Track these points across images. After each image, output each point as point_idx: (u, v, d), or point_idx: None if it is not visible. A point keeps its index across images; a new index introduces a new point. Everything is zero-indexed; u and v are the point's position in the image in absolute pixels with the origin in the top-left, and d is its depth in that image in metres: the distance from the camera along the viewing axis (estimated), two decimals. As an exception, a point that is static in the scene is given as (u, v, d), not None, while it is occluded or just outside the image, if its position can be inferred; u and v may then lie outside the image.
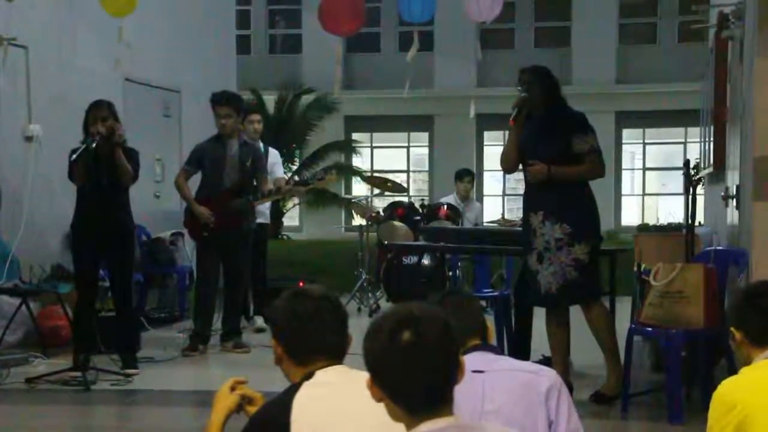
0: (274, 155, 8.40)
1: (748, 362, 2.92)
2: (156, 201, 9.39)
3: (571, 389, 5.40)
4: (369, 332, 1.97)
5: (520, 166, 5.63)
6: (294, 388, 2.39)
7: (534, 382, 2.56)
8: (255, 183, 7.28)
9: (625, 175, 23.32)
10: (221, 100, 7.20)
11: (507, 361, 2.72)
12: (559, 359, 5.52)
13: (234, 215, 7.13)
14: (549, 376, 2.60)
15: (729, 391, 2.80)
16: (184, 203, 7.47)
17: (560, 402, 2.56)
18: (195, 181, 7.38)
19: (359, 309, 9.18)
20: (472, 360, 2.01)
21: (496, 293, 6.85)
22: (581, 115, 5.47)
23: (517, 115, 5.45)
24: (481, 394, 2.48)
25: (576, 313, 5.56)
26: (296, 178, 19.30)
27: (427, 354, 1.90)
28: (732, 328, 2.93)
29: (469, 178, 9.98)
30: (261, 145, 8.13)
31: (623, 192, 23.11)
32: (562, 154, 5.34)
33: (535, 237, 5.44)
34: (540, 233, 5.41)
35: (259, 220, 7.91)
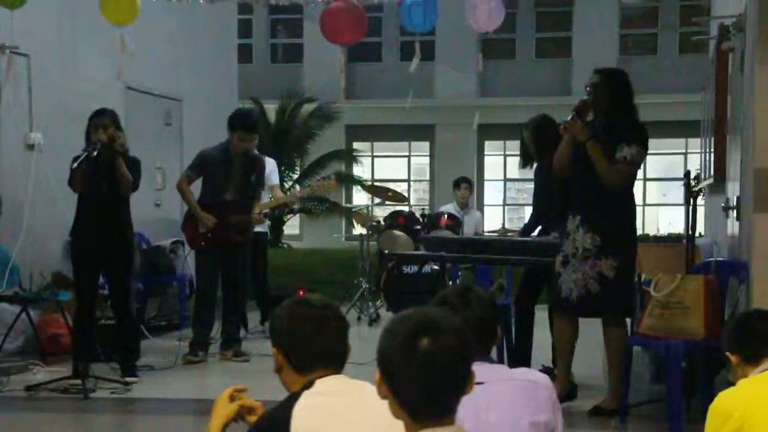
0: (270, 164, 8.41)
1: None
2: (156, 209, 9.39)
3: (575, 392, 5.42)
4: (387, 330, 1.96)
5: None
6: (294, 397, 2.39)
7: (535, 390, 2.56)
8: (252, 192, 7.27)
9: (626, 186, 23.30)
10: (251, 127, 7.23)
11: (505, 371, 2.72)
12: (562, 364, 5.49)
13: (233, 230, 7.13)
14: (548, 385, 2.60)
15: (726, 402, 2.83)
16: (184, 209, 7.46)
17: (557, 414, 2.57)
18: (195, 187, 7.38)
19: (359, 318, 9.17)
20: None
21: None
22: (639, 128, 5.31)
23: (574, 120, 5.26)
24: (484, 405, 2.47)
25: (583, 323, 5.51)
26: (297, 187, 19.35)
27: (441, 363, 1.90)
28: (727, 353, 3.06)
29: (467, 185, 10.02)
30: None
31: (624, 202, 23.10)
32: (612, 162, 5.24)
33: (566, 239, 5.35)
34: (573, 237, 5.32)
35: (257, 229, 7.94)
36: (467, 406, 2.01)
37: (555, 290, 5.45)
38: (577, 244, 5.31)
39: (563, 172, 5.47)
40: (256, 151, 7.51)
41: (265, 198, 7.69)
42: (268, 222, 8.48)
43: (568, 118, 5.29)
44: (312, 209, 20.31)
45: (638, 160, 5.28)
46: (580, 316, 5.47)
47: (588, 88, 5.36)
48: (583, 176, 5.34)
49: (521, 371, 2.72)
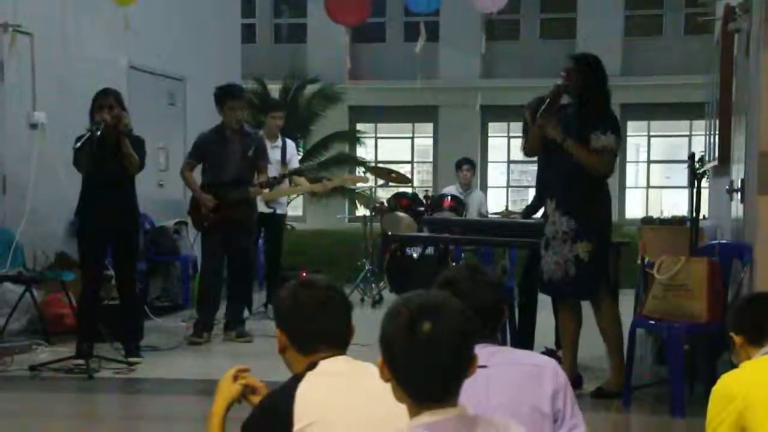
0: (291, 147, 8.54)
1: None
2: (160, 190, 9.39)
3: (581, 382, 5.44)
4: (389, 314, 1.96)
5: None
6: (297, 378, 2.40)
7: (539, 376, 2.55)
8: (258, 174, 7.27)
9: (630, 168, 23.29)
10: (237, 95, 7.24)
11: (509, 354, 2.70)
12: (567, 353, 5.52)
13: (233, 206, 7.14)
14: (553, 368, 2.59)
15: (728, 384, 2.84)
16: (188, 192, 7.48)
17: (566, 396, 2.55)
18: (197, 173, 7.40)
19: (362, 299, 9.18)
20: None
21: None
22: (610, 115, 5.36)
23: (548, 105, 5.33)
24: (486, 388, 2.47)
25: (585, 306, 5.55)
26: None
27: (443, 347, 1.90)
28: (732, 334, 3.05)
29: (468, 166, 10.00)
30: (279, 136, 8.26)
31: (627, 184, 23.08)
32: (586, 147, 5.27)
33: (546, 222, 5.45)
34: (552, 220, 5.41)
35: (276, 211, 8.05)
36: (469, 389, 2.01)
37: (540, 274, 5.50)
38: (556, 227, 5.37)
39: (530, 155, 5.83)
40: (279, 130, 7.46)
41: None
42: (286, 202, 8.53)
43: (543, 106, 5.34)
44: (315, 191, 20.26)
45: (616, 149, 5.33)
46: (562, 297, 5.52)
47: (563, 74, 5.39)
48: (557, 161, 5.43)
49: (527, 355, 2.71)
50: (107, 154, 6.16)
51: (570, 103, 5.45)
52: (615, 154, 5.37)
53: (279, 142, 8.31)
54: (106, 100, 6.23)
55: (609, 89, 5.42)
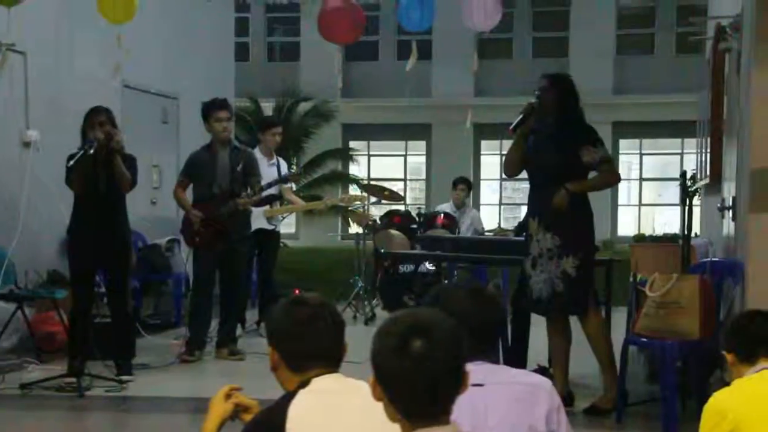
0: (284, 165, 8.54)
1: None
2: (152, 207, 9.39)
3: (572, 400, 5.44)
4: (379, 333, 1.96)
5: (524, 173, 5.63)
6: (290, 396, 2.39)
7: (534, 395, 2.55)
8: (249, 188, 7.25)
9: (622, 186, 23.33)
10: (223, 105, 7.25)
11: (504, 372, 2.70)
12: (559, 370, 5.52)
13: (223, 221, 7.13)
14: (548, 388, 2.60)
15: (721, 402, 2.85)
16: (182, 211, 7.48)
17: (560, 416, 2.56)
18: (190, 193, 7.43)
19: (355, 317, 9.17)
20: (470, 372, 2.00)
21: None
22: (590, 128, 5.45)
23: (521, 123, 5.41)
24: (482, 408, 2.47)
25: (576, 323, 5.56)
26: (293, 186, 19.31)
27: (434, 365, 1.91)
28: (724, 352, 3.09)
29: (463, 186, 10.02)
30: (275, 157, 8.24)
31: (619, 202, 23.15)
32: (569, 165, 5.32)
33: (531, 242, 5.47)
34: (536, 239, 5.44)
35: (266, 227, 8.02)
36: (466, 408, 2.01)
37: (528, 294, 5.51)
38: (541, 245, 5.40)
39: (511, 176, 5.82)
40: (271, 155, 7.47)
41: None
42: (279, 220, 8.50)
43: (516, 122, 5.41)
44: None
45: (608, 154, 5.51)
46: (552, 315, 5.53)
47: (536, 92, 5.45)
48: (537, 179, 5.50)
49: (521, 374, 2.71)
50: (99, 172, 6.15)
51: (542, 122, 5.46)
52: (612, 160, 5.52)
53: (275, 160, 8.31)
54: (98, 118, 6.23)
55: (581, 107, 5.51)
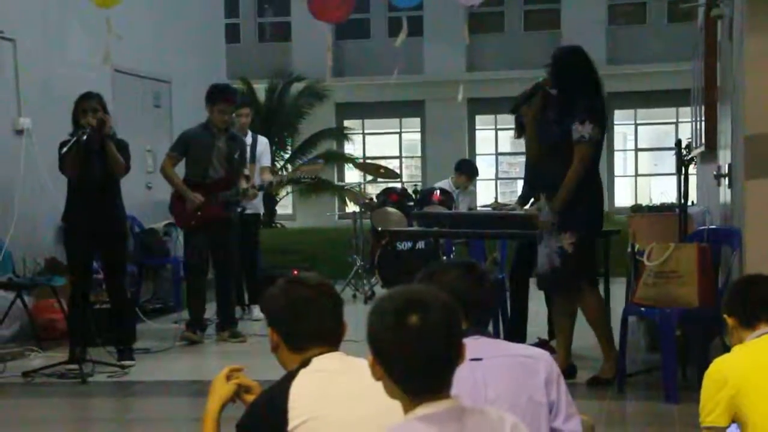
0: (262, 143, 8.41)
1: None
2: (148, 192, 9.36)
3: (574, 372, 5.46)
4: (374, 311, 1.97)
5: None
6: (291, 375, 2.40)
7: (533, 368, 2.56)
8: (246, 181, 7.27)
9: (618, 156, 23.36)
10: (232, 97, 7.27)
11: (503, 347, 2.71)
12: (561, 344, 5.54)
13: (222, 207, 7.12)
14: (546, 360, 2.60)
15: (721, 368, 2.86)
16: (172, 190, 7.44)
17: (559, 387, 2.57)
18: (179, 168, 7.37)
19: (354, 296, 9.18)
20: (468, 347, 2.01)
21: (490, 277, 6.84)
22: (591, 103, 5.31)
23: (522, 102, 5.39)
24: (482, 381, 2.48)
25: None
26: (288, 166, 19.30)
27: (431, 339, 1.91)
28: (725, 316, 3.06)
29: (465, 176, 9.79)
30: (249, 133, 8.18)
31: (616, 173, 23.14)
32: (562, 141, 5.28)
33: (540, 215, 5.48)
34: (543, 213, 5.44)
35: (249, 211, 7.96)
36: (465, 382, 2.02)
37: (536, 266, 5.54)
38: (545, 219, 5.39)
39: (535, 158, 5.76)
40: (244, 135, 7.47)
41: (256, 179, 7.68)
42: (260, 204, 8.47)
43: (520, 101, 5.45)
44: (304, 189, 20.28)
45: (596, 138, 5.28)
46: (548, 290, 5.54)
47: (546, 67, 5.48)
48: (545, 156, 5.46)
49: (520, 347, 2.72)
50: (93, 158, 6.14)
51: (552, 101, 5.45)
52: (598, 144, 5.33)
53: (249, 140, 8.18)
54: (90, 104, 6.20)
55: (597, 78, 5.42)
